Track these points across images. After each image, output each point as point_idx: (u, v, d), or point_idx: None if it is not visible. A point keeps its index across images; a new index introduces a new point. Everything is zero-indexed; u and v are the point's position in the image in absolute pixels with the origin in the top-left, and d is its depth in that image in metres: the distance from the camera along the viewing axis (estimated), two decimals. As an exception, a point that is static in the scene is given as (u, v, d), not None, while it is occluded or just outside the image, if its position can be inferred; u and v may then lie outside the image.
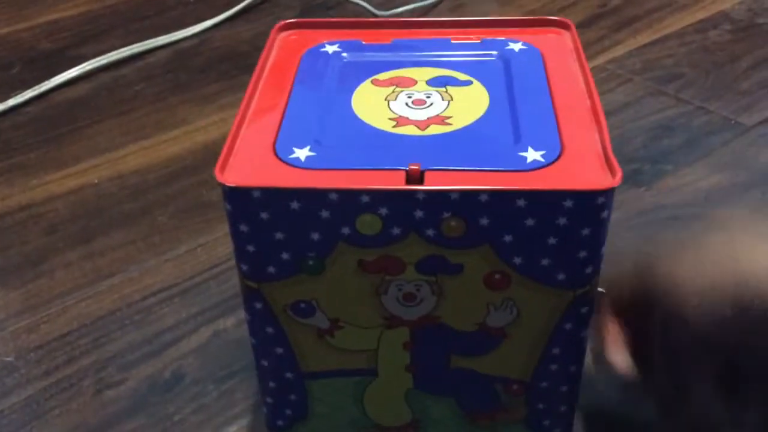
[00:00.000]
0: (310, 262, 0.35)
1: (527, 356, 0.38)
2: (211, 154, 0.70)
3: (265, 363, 0.40)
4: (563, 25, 0.45)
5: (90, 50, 0.86)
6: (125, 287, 0.56)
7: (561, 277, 0.35)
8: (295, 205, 0.33)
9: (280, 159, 0.35)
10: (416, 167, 0.34)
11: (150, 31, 0.89)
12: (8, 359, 0.51)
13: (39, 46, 0.89)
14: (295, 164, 0.35)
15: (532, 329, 0.37)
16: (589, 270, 0.35)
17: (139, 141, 0.72)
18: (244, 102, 0.39)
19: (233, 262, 0.60)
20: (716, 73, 0.78)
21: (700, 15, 0.88)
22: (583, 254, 0.34)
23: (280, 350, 0.39)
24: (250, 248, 0.35)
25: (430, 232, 0.34)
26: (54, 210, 0.64)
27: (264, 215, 0.34)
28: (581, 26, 0.87)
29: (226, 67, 0.83)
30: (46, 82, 0.80)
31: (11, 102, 0.77)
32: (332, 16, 0.92)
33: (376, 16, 0.90)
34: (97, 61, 0.83)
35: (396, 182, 0.33)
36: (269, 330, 0.38)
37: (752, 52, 0.81)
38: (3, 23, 0.94)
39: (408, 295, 0.36)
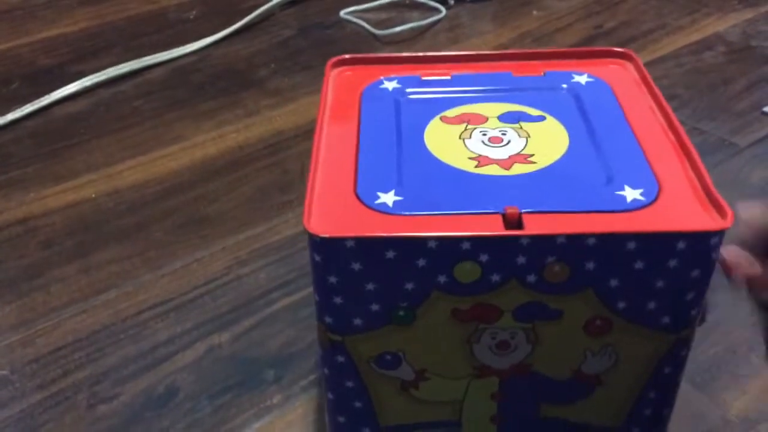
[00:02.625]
0: (401, 313, 0.34)
1: (621, 402, 0.37)
2: (208, 170, 0.70)
3: (342, 419, 0.39)
4: (625, 56, 0.44)
5: (89, 66, 0.86)
6: (120, 302, 0.56)
7: (665, 320, 0.34)
8: (390, 254, 0.32)
9: (366, 205, 0.34)
10: (514, 210, 0.33)
11: (149, 48, 0.89)
12: (3, 372, 0.51)
13: (38, 62, 0.90)
14: (384, 210, 0.33)
15: (629, 375, 0.36)
16: (693, 312, 0.34)
17: (137, 156, 0.72)
18: (315, 145, 0.37)
19: (228, 277, 0.60)
20: (710, 94, 0.78)
21: (695, 37, 0.89)
22: (690, 296, 0.33)
23: (358, 404, 0.37)
24: (338, 300, 0.34)
25: (531, 278, 0.32)
26: (51, 224, 0.64)
27: (356, 266, 0.32)
28: (576, 47, 0.88)
29: (224, 84, 0.84)
30: (45, 97, 0.80)
31: (10, 116, 0.78)
32: (331, 36, 0.92)
33: (375, 36, 0.91)
34: (96, 77, 0.84)
35: (494, 227, 0.32)
36: (349, 384, 0.37)
37: (746, 73, 0.82)
38: (3, 39, 0.95)
39: (502, 343, 0.35)
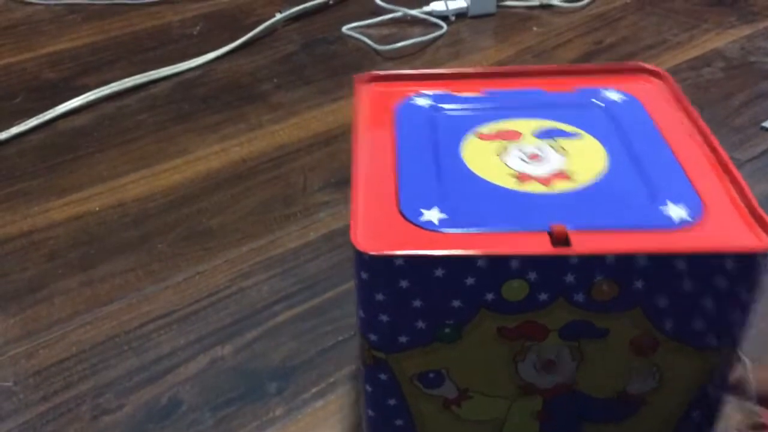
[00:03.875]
0: (447, 330, 0.33)
1: (665, 422, 0.36)
2: (211, 183, 0.71)
3: None
4: (655, 74, 0.44)
5: (93, 80, 0.87)
6: (124, 314, 0.57)
7: (711, 339, 0.34)
8: (439, 272, 0.32)
9: (411, 222, 0.34)
10: (561, 228, 0.32)
11: (153, 63, 0.90)
12: (7, 384, 0.51)
13: (43, 76, 0.90)
14: (430, 228, 0.33)
15: (674, 394, 0.35)
16: (740, 330, 0.34)
17: (141, 170, 0.73)
18: (354, 162, 0.37)
19: (231, 289, 0.61)
20: (710, 109, 0.79)
21: (694, 53, 0.90)
22: (736, 315, 0.33)
23: (399, 422, 0.37)
24: (383, 318, 0.33)
25: (579, 296, 0.32)
26: (55, 237, 0.65)
27: (404, 283, 0.32)
28: (576, 63, 0.88)
29: (228, 98, 0.84)
30: (50, 111, 0.81)
31: (15, 130, 0.78)
32: (334, 51, 0.93)
33: (376, 51, 0.92)
34: (100, 91, 0.84)
35: (542, 245, 0.32)
36: (391, 402, 0.36)
37: (745, 89, 0.82)
38: (8, 53, 0.96)
39: (547, 362, 0.35)
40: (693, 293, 0.32)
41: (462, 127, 0.40)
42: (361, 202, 0.35)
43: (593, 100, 0.42)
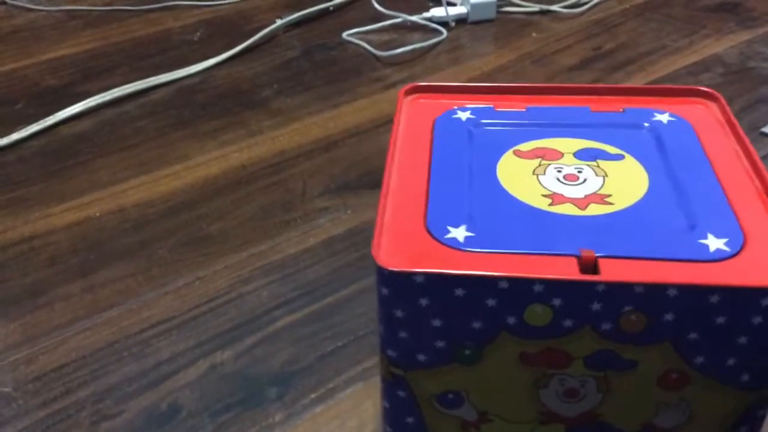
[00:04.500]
0: (467, 352, 0.33)
1: None
2: (211, 189, 0.71)
3: None
4: (709, 96, 0.42)
5: (94, 87, 0.87)
6: (124, 319, 0.57)
7: (745, 378, 0.32)
8: (459, 291, 0.31)
9: (436, 239, 0.33)
10: (590, 254, 0.31)
11: (153, 69, 0.90)
12: (6, 390, 0.51)
13: (44, 82, 0.91)
14: (454, 246, 0.33)
15: (704, 431, 0.34)
16: None
17: (141, 175, 0.73)
18: (386, 174, 0.37)
19: (231, 295, 0.61)
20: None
21: (693, 58, 0.90)
22: None
23: None
24: (403, 335, 0.33)
25: (606, 326, 0.31)
26: (55, 242, 0.65)
27: (424, 301, 0.32)
28: (575, 69, 0.89)
29: (228, 104, 0.85)
30: (51, 117, 0.81)
31: (15, 136, 0.79)
32: (334, 57, 0.94)
33: (377, 57, 0.92)
34: (100, 98, 0.85)
35: (568, 270, 0.31)
36: (409, 420, 0.36)
37: (744, 95, 0.83)
38: (9, 60, 0.96)
39: (571, 390, 0.33)
40: (727, 329, 0.31)
41: (501, 143, 0.39)
42: (388, 216, 0.34)
43: (641, 121, 0.40)
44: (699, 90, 0.43)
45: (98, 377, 0.52)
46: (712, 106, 0.42)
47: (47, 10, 1.08)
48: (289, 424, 0.48)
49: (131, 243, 0.64)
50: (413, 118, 0.42)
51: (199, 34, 1.01)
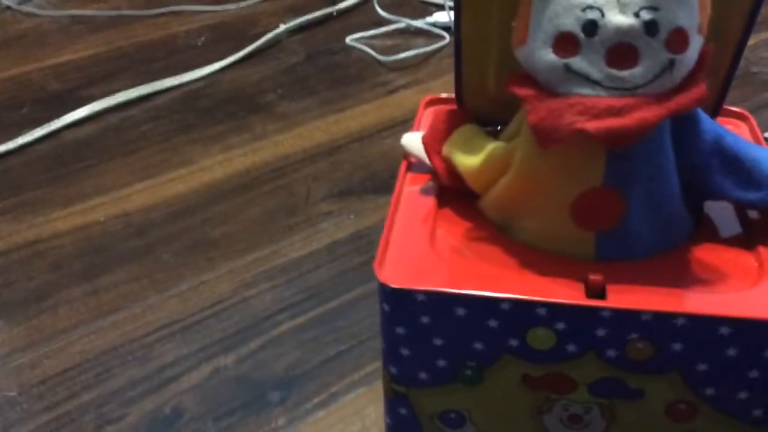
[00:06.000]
0: (468, 372, 0.33)
1: None
2: (215, 192, 0.71)
3: None
4: (740, 116, 0.42)
5: (99, 91, 0.88)
6: (128, 323, 0.57)
7: (757, 413, 0.31)
8: (461, 311, 0.31)
9: (441, 257, 0.33)
10: (598, 279, 0.30)
11: (158, 74, 0.91)
12: (11, 394, 0.52)
13: (49, 87, 0.91)
14: (459, 265, 0.32)
15: None
16: None
17: (145, 180, 0.73)
18: (396, 188, 0.37)
19: (235, 299, 0.61)
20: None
21: (696, 63, 0.90)
22: None
23: None
24: (404, 352, 0.33)
25: (611, 353, 0.30)
26: (60, 246, 0.65)
27: (425, 319, 0.31)
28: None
29: (232, 108, 0.85)
30: (55, 122, 0.82)
31: (20, 140, 0.79)
32: (337, 62, 0.94)
33: (380, 62, 0.92)
34: (105, 102, 0.85)
35: (575, 295, 0.30)
36: None
37: (747, 100, 0.83)
38: (14, 64, 0.96)
39: (574, 416, 0.33)
40: (737, 362, 0.30)
41: None
42: (396, 230, 0.34)
43: None
44: (728, 109, 0.41)
45: (102, 381, 0.52)
46: (742, 126, 0.41)
47: (52, 16, 1.08)
48: (292, 427, 0.49)
49: (135, 247, 0.65)
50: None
51: (203, 38, 1.01)
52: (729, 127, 0.40)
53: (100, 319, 0.57)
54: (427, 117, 0.43)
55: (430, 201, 0.37)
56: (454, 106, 0.42)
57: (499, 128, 0.37)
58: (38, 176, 0.75)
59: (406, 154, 0.39)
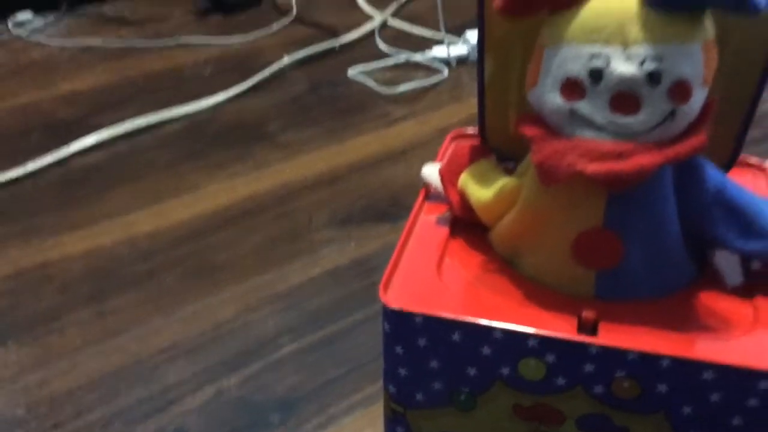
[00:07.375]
0: (462, 397, 0.33)
1: None
2: (219, 218, 0.73)
3: None
4: (758, 168, 0.42)
5: (107, 119, 0.90)
6: (133, 345, 0.58)
7: None
8: (456, 336, 0.32)
9: (445, 282, 0.34)
10: (590, 315, 0.31)
11: (165, 103, 0.93)
12: (19, 412, 0.53)
13: (58, 115, 0.93)
14: (461, 291, 0.33)
15: None
16: None
17: (151, 206, 0.75)
18: (412, 214, 0.38)
19: (237, 323, 0.62)
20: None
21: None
22: None
23: None
24: (402, 371, 0.34)
25: (598, 388, 0.31)
26: (68, 270, 0.67)
27: (422, 342, 0.32)
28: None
29: (237, 137, 0.87)
30: (64, 149, 0.84)
31: (31, 167, 0.81)
32: (339, 93, 0.96)
33: (380, 94, 0.95)
34: (113, 130, 0.87)
35: (567, 329, 0.31)
36: None
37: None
38: (25, 92, 0.99)
39: None
40: (721, 408, 0.30)
41: None
42: (405, 255, 0.35)
43: None
44: (746, 162, 0.42)
45: (108, 401, 0.54)
46: (760, 176, 0.42)
47: (62, 45, 1.11)
48: (292, 448, 0.50)
49: (141, 271, 0.66)
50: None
51: (209, 69, 1.03)
52: (747, 178, 0.41)
53: (107, 341, 0.59)
54: (451, 150, 0.44)
55: (443, 231, 0.38)
56: (479, 141, 0.44)
57: (517, 164, 0.39)
58: (47, 201, 0.77)
59: (426, 184, 0.41)
